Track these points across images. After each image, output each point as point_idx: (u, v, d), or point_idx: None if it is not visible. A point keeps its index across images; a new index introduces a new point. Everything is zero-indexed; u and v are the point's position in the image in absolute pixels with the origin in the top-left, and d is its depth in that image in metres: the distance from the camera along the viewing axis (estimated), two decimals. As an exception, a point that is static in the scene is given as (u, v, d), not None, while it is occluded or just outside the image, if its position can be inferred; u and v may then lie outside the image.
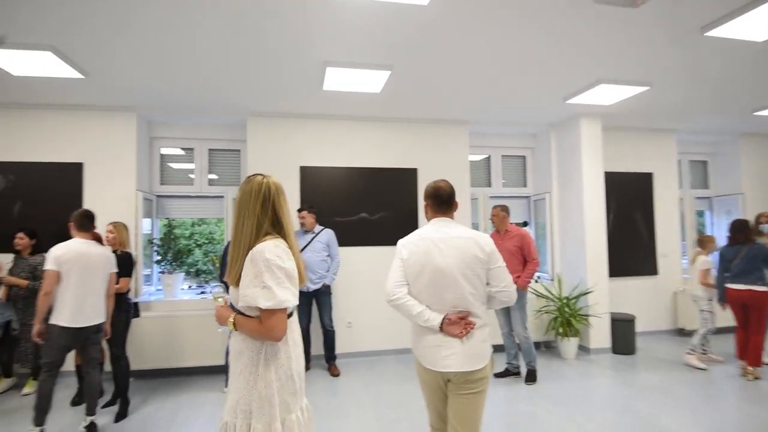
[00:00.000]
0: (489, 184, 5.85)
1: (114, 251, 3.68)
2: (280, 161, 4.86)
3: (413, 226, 5.08)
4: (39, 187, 4.39)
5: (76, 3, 2.57)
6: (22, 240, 4.00)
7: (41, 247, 4.13)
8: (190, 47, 3.18)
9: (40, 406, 2.96)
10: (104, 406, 3.59)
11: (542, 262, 5.78)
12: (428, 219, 2.09)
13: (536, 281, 5.35)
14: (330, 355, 4.55)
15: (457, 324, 1.85)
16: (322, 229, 4.55)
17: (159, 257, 4.89)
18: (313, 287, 4.38)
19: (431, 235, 1.97)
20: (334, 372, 4.45)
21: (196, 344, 4.45)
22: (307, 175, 4.92)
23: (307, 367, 4.53)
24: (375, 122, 5.11)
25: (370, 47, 3.23)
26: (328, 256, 4.54)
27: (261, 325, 1.49)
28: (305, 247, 4.43)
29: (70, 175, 4.44)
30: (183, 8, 2.65)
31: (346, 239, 4.88)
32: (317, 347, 4.64)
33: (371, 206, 5.07)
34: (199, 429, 3.28)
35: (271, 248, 1.50)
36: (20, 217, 4.33)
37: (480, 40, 3.13)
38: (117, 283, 3.50)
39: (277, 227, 1.59)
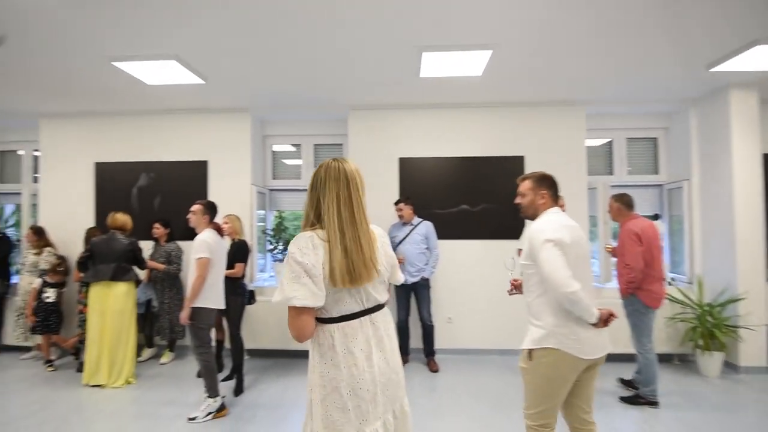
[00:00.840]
0: (611, 172, 5.18)
1: (232, 240, 4.05)
2: (379, 153, 4.86)
3: (520, 219, 4.72)
4: (173, 183, 5.00)
5: (195, 15, 2.80)
6: (158, 229, 4.60)
7: (174, 235, 4.72)
8: (293, 46, 3.29)
9: (211, 380, 3.29)
10: (224, 380, 3.95)
11: (678, 261, 4.96)
12: (541, 209, 2.13)
13: (670, 283, 4.61)
14: (429, 350, 4.46)
15: (607, 320, 1.94)
16: (421, 221, 4.46)
17: (271, 246, 5.26)
18: (411, 280, 4.32)
19: (570, 223, 2.03)
20: (432, 367, 4.35)
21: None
22: (406, 166, 4.85)
23: (405, 360, 4.50)
24: (476, 108, 4.83)
25: (468, 27, 3.01)
26: (427, 248, 4.43)
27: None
28: (403, 239, 4.39)
29: (197, 171, 4.97)
30: (283, 10, 2.74)
31: (446, 232, 4.72)
32: (416, 341, 4.58)
33: (473, 197, 4.82)
34: (302, 408, 3.44)
35: (298, 239, 1.41)
36: (159, 209, 4.98)
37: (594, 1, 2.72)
38: (232, 268, 3.82)
39: (322, 218, 1.45)
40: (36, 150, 5.40)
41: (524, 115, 4.81)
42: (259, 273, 5.17)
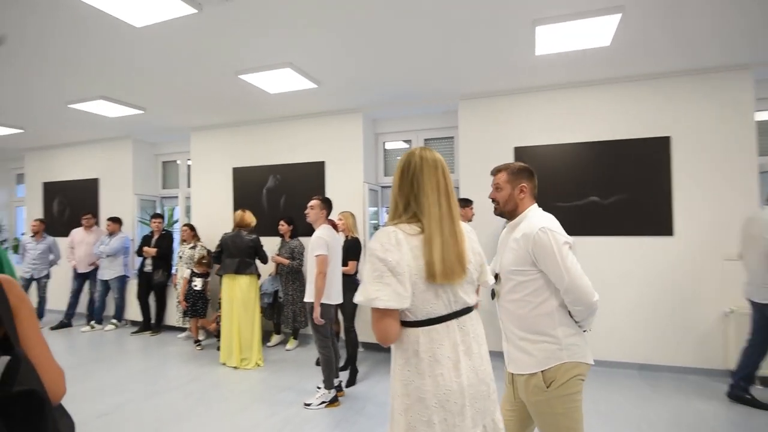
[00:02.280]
0: (793, 151, 4.10)
1: (345, 237, 4.18)
2: (493, 144, 4.56)
3: (664, 212, 4.01)
4: (295, 183, 5.37)
5: (306, 25, 2.92)
6: (283, 226, 4.97)
7: (297, 232, 5.06)
8: (400, 39, 3.24)
9: (329, 372, 3.46)
10: (340, 369, 4.09)
11: None
12: (523, 204, 1.90)
13: None
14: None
15: None
16: (539, 216, 4.05)
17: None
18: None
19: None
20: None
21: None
22: (523, 155, 4.46)
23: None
24: (604, 86, 4.22)
25: (588, -11, 2.62)
26: (547, 246, 4.01)
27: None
28: (520, 235, 4.04)
29: (316, 172, 5.26)
30: (384, 4, 2.71)
31: (571, 227, 4.17)
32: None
33: (603, 188, 4.23)
34: (409, 410, 3.37)
35: (379, 235, 1.28)
36: (284, 208, 5.39)
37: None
38: (346, 265, 3.93)
39: (411, 208, 1.32)
40: (189, 159, 6.29)
41: (668, 88, 4.06)
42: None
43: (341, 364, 4.22)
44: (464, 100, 4.65)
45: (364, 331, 4.65)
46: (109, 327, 6.05)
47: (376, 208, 5.42)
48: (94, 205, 6.66)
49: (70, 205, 6.89)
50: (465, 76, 4.10)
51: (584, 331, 1.76)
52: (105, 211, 6.55)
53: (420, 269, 1.26)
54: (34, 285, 6.14)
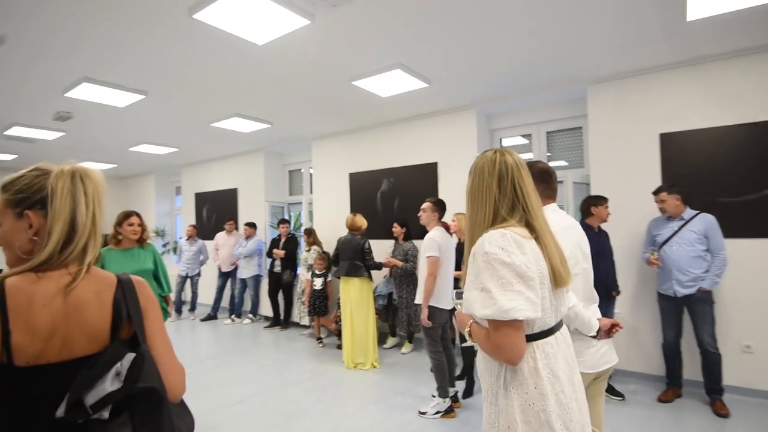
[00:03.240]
0: None
1: (459, 239, 4.00)
2: (631, 132, 3.95)
3: None
4: (408, 186, 5.34)
5: (412, 21, 2.85)
6: (396, 229, 4.96)
7: (410, 234, 5.01)
8: (511, 25, 2.97)
9: (442, 380, 3.34)
10: (456, 378, 3.91)
11: None
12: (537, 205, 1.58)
13: None
14: (713, 386, 3.31)
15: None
16: (696, 215, 3.38)
17: (502, 246, 5.00)
18: (682, 291, 3.34)
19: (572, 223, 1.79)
20: (719, 410, 3.21)
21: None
22: (671, 143, 3.78)
23: (678, 394, 3.49)
24: (787, 50, 3.36)
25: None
26: (706, 250, 3.33)
27: (488, 339, 1.15)
28: (669, 238, 3.42)
29: (429, 173, 5.17)
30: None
31: (737, 228, 3.45)
32: (691, 371, 3.50)
33: (785, 178, 3.37)
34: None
35: (494, 238, 1.14)
36: (398, 210, 5.40)
37: None
38: (459, 269, 3.76)
39: (517, 212, 1.23)
40: (311, 167, 6.70)
41: None
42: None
43: (458, 373, 4.05)
44: (595, 84, 4.12)
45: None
46: (246, 321, 6.73)
47: (492, 209, 5.11)
48: (234, 211, 7.49)
49: (215, 212, 7.86)
50: (595, 56, 3.61)
51: (592, 336, 1.61)
52: (243, 216, 7.32)
53: (542, 275, 1.16)
54: (188, 282, 7.14)
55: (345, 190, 5.99)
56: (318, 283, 5.31)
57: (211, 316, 7.00)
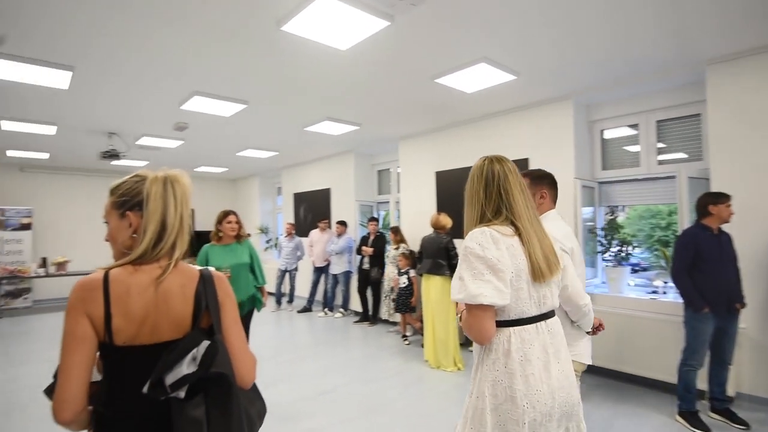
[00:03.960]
0: None
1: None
2: (763, 118, 3.36)
3: None
4: (497, 184, 5.13)
5: (495, 10, 2.73)
6: (483, 228, 4.81)
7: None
8: (609, 2, 2.70)
9: None
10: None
11: None
12: (542, 210, 2.02)
13: None
14: None
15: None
16: None
17: (602, 248, 4.57)
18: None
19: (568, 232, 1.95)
20: None
21: (645, 352, 3.80)
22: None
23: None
24: None
25: None
26: None
27: (464, 320, 1.32)
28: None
29: (518, 169, 4.90)
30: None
31: None
32: None
33: None
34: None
35: (475, 235, 1.32)
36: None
37: None
38: None
39: (501, 213, 1.37)
40: (398, 167, 6.77)
41: None
42: (588, 280, 4.58)
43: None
44: (715, 65, 3.57)
45: (577, 349, 4.08)
46: (338, 315, 7.03)
47: (591, 208, 4.70)
48: (327, 210, 7.87)
49: (311, 210, 8.34)
50: (715, 33, 3.12)
51: (588, 332, 1.87)
52: (335, 215, 7.66)
53: (517, 268, 1.30)
54: (287, 275, 7.67)
55: (431, 189, 5.95)
56: (404, 280, 5.35)
57: (307, 309, 7.44)
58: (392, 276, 5.63)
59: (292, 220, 8.64)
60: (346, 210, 7.47)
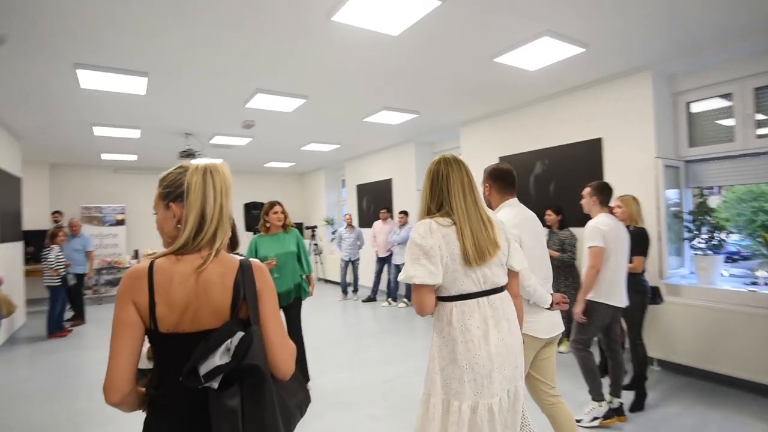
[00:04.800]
0: None
1: (626, 227, 3.43)
2: None
3: None
4: (566, 167, 4.79)
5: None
6: (550, 216, 4.52)
7: (567, 222, 4.51)
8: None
9: (592, 381, 3.04)
10: (624, 387, 3.40)
11: None
12: (493, 200, 2.27)
13: None
14: None
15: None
16: None
17: (690, 234, 4.10)
18: None
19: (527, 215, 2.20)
20: None
21: (741, 350, 3.37)
22: None
23: None
24: None
25: None
26: None
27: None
28: None
29: (591, 151, 4.54)
30: None
31: None
32: None
33: None
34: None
35: (417, 226, 1.55)
36: (554, 195, 4.91)
37: None
38: (630, 262, 3.23)
39: (443, 207, 1.58)
40: (460, 154, 6.57)
41: None
42: (672, 270, 4.13)
43: (626, 382, 3.50)
44: (832, 17, 3.02)
45: (659, 345, 3.74)
46: (402, 305, 7.04)
47: (676, 190, 4.23)
48: (389, 200, 7.88)
49: (373, 201, 8.40)
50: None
51: (547, 308, 2.07)
52: (397, 205, 7.64)
53: (452, 253, 1.51)
54: (350, 266, 7.81)
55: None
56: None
57: (371, 298, 7.53)
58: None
59: (356, 212, 8.77)
60: (407, 200, 7.43)
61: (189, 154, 6.55)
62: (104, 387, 1.01)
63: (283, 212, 3.62)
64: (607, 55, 3.78)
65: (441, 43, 3.43)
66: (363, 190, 8.76)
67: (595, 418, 2.93)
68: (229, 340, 1.00)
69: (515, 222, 2.02)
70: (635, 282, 3.26)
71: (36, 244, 6.72)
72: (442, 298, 1.55)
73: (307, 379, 3.69)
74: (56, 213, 7.63)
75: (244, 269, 1.10)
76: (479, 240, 1.51)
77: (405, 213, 6.95)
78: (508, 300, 1.60)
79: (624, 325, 3.48)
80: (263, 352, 1.04)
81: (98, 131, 5.86)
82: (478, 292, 1.53)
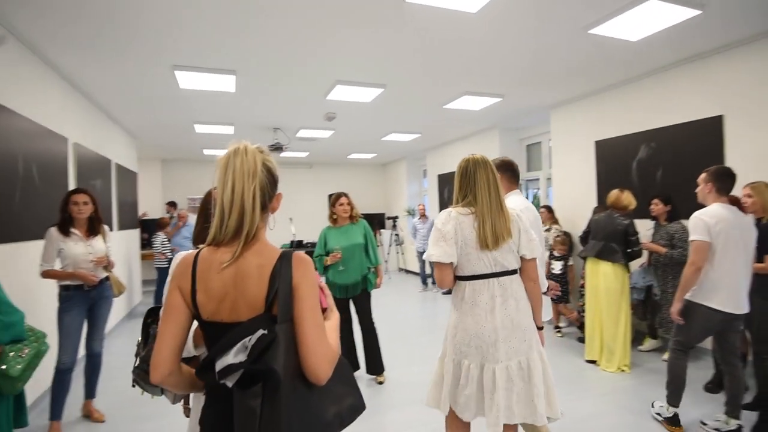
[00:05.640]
0: None
1: (757, 220, 2.90)
2: None
3: None
4: (676, 151, 4.18)
5: None
6: (656, 206, 3.99)
7: (676, 214, 3.94)
8: None
9: (673, 385, 2.78)
10: (745, 407, 2.89)
11: None
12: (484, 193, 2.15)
13: None
14: None
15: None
16: None
17: None
18: None
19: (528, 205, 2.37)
20: None
21: None
22: None
23: None
24: None
25: None
26: None
27: None
28: None
29: (709, 131, 3.90)
30: None
31: None
32: None
33: None
34: None
35: (441, 214, 1.86)
36: (661, 183, 4.32)
37: None
38: (761, 261, 2.74)
39: (467, 198, 1.85)
40: (549, 139, 6.09)
41: None
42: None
43: (747, 400, 2.98)
44: None
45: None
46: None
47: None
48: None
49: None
50: None
51: (543, 293, 2.06)
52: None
53: (465, 238, 1.78)
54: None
55: (590, 162, 5.18)
56: (557, 266, 4.82)
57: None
58: (546, 260, 5.11)
59: (437, 202, 8.60)
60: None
61: (277, 148, 6.87)
62: (150, 366, 1.02)
63: (349, 203, 3.61)
64: (728, 17, 3.18)
65: (526, 17, 3.13)
66: (444, 180, 8.55)
67: (660, 416, 2.80)
68: (248, 338, 0.94)
69: (519, 210, 2.10)
70: (763, 285, 2.74)
71: (149, 231, 7.54)
72: (459, 277, 1.84)
73: (383, 369, 3.66)
74: (170, 204, 8.45)
75: (283, 261, 1.03)
76: (495, 228, 1.77)
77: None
78: (518, 282, 1.85)
79: (748, 334, 2.96)
80: (289, 353, 0.96)
81: (199, 128, 6.38)
82: (489, 274, 1.79)
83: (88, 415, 3.08)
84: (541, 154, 6.64)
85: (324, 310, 1.14)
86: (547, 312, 2.29)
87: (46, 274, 2.77)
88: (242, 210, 1.03)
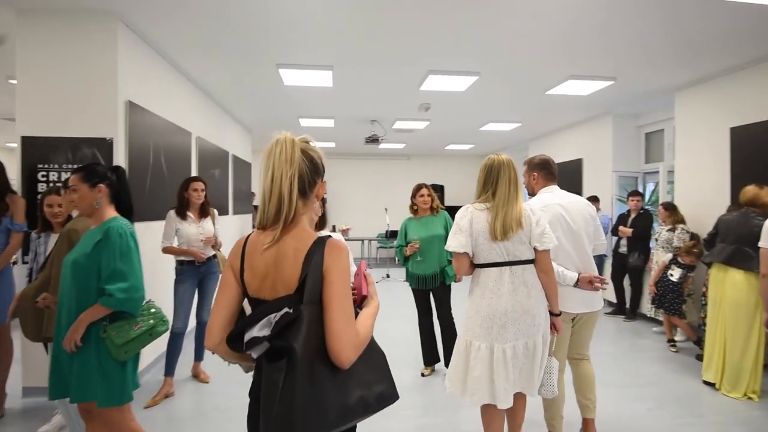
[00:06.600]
0: None
1: None
2: None
3: None
4: None
5: None
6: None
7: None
8: None
9: None
10: None
11: None
12: (539, 186, 2.50)
13: None
14: None
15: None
16: None
17: None
18: None
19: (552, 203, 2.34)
20: None
21: None
22: None
23: None
24: None
25: None
26: None
27: None
28: None
29: None
30: None
31: None
32: None
33: None
34: None
35: (460, 210, 2.09)
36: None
37: None
38: None
39: (487, 194, 2.06)
40: (674, 126, 5.33)
41: None
42: None
43: None
44: None
45: None
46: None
47: None
48: (579, 183, 6.97)
49: (559, 184, 7.57)
50: None
51: (574, 285, 2.23)
52: (588, 188, 6.71)
53: (479, 230, 2.01)
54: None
55: (723, 152, 4.42)
56: (676, 273, 4.21)
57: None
58: (661, 260, 4.46)
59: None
60: (600, 182, 6.45)
61: (374, 140, 7.06)
62: (206, 333, 1.15)
63: (430, 195, 3.63)
64: None
65: (639, -13, 2.77)
66: (548, 173, 8.00)
67: None
68: (274, 315, 1.00)
69: (542, 206, 2.24)
70: None
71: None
72: (476, 265, 2.06)
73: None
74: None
75: (317, 245, 1.07)
76: (505, 221, 1.95)
77: (595, 198, 5.98)
78: (530, 271, 2.02)
79: None
80: (311, 333, 0.99)
81: (303, 122, 6.81)
82: (502, 262, 1.99)
83: (197, 375, 3.53)
84: (663, 144, 5.85)
85: (364, 298, 1.18)
86: (589, 303, 2.33)
87: (166, 250, 3.24)
88: (280, 196, 1.08)
